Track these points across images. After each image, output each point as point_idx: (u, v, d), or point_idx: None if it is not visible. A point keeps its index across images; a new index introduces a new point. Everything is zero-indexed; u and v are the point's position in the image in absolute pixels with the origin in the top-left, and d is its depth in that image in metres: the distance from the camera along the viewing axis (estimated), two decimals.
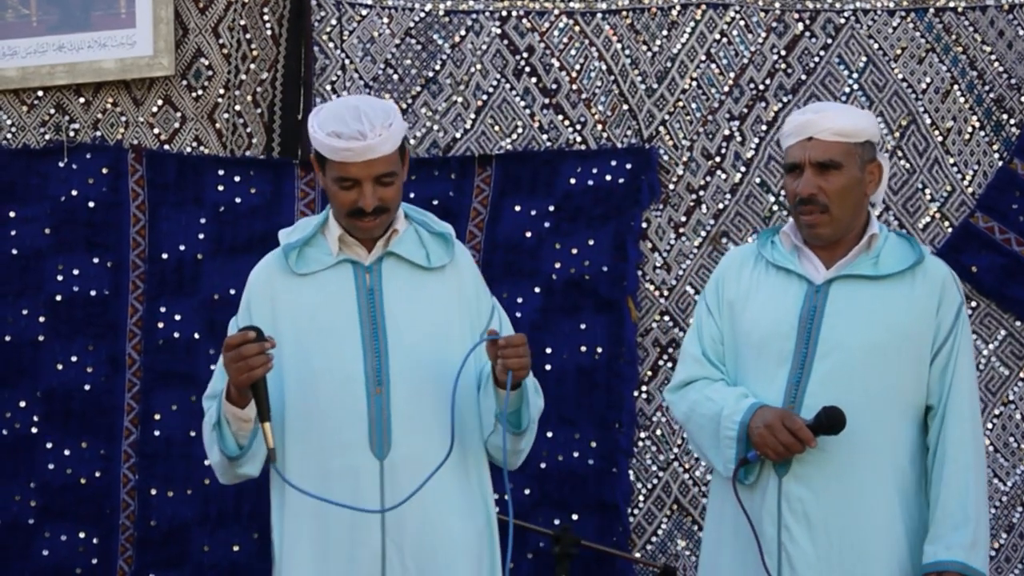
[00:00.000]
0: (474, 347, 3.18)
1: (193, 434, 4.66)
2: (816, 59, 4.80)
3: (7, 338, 4.74)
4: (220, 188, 4.80)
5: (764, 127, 4.78)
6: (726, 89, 4.80)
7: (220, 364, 3.24)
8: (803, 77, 4.80)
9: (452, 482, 3.21)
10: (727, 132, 4.79)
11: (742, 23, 4.81)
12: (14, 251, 4.76)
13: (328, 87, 4.83)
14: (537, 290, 4.72)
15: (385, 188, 3.21)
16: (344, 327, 3.24)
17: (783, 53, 4.80)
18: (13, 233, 4.77)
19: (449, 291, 3.31)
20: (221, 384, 3.20)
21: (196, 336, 4.74)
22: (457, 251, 3.35)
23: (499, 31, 4.86)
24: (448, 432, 3.14)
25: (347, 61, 4.85)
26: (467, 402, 3.23)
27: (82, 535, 4.67)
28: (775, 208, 4.76)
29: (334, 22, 4.85)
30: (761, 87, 4.79)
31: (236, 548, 4.66)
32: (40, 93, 4.84)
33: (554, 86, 4.84)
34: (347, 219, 3.24)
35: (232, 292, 4.72)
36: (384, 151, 3.18)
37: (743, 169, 4.79)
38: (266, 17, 4.88)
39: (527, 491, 4.58)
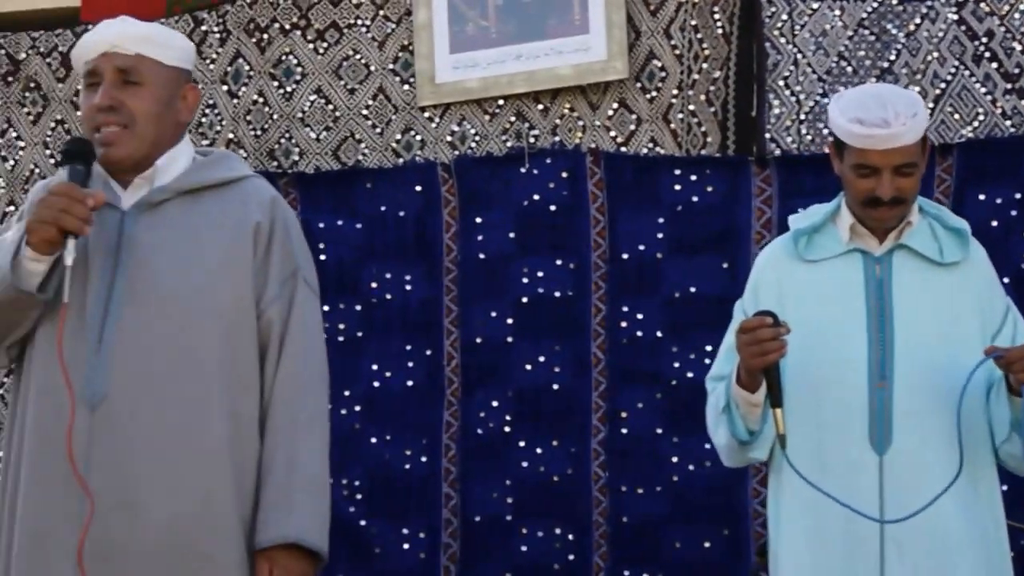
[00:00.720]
0: (977, 366, 3.07)
1: (660, 431, 4.72)
2: None
3: (478, 340, 4.88)
4: (677, 188, 4.83)
5: None
6: None
7: (724, 347, 3.28)
8: None
9: (957, 486, 3.10)
10: None
11: None
12: (481, 255, 4.92)
13: (781, 83, 4.80)
14: (1006, 280, 4.54)
15: (904, 178, 3.15)
16: (850, 317, 3.19)
17: None
18: (480, 238, 4.92)
19: (961, 289, 3.22)
20: (726, 367, 3.22)
21: (659, 335, 4.78)
22: (972, 248, 3.26)
23: (956, 17, 4.71)
24: (950, 435, 3.06)
25: (799, 56, 4.80)
26: (974, 405, 3.13)
27: (557, 531, 4.77)
28: None
29: (785, 17, 4.82)
30: None
31: (707, 545, 4.67)
32: (501, 102, 4.99)
33: (1016, 70, 4.66)
34: (862, 208, 3.19)
35: (692, 290, 4.76)
36: (906, 141, 3.12)
37: None
38: (716, 16, 4.89)
39: (1004, 487, 4.42)
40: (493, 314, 4.89)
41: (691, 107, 4.87)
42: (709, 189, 4.81)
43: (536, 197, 4.90)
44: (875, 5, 4.77)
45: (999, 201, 4.62)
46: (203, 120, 5.12)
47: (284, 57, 5.12)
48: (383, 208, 4.99)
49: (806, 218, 3.31)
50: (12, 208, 5.22)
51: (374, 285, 4.98)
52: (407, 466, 4.91)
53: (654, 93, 4.90)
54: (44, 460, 2.81)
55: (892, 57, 4.76)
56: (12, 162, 5.31)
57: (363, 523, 4.89)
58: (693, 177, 4.82)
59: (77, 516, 2.77)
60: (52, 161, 5.28)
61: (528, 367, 4.84)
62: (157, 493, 2.81)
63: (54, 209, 2.75)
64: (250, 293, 2.94)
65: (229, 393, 2.89)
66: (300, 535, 2.88)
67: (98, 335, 2.83)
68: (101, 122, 2.91)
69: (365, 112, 5.06)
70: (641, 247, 4.82)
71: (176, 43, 3.00)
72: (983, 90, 4.69)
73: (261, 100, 5.12)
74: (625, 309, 4.81)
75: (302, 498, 2.89)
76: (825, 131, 4.73)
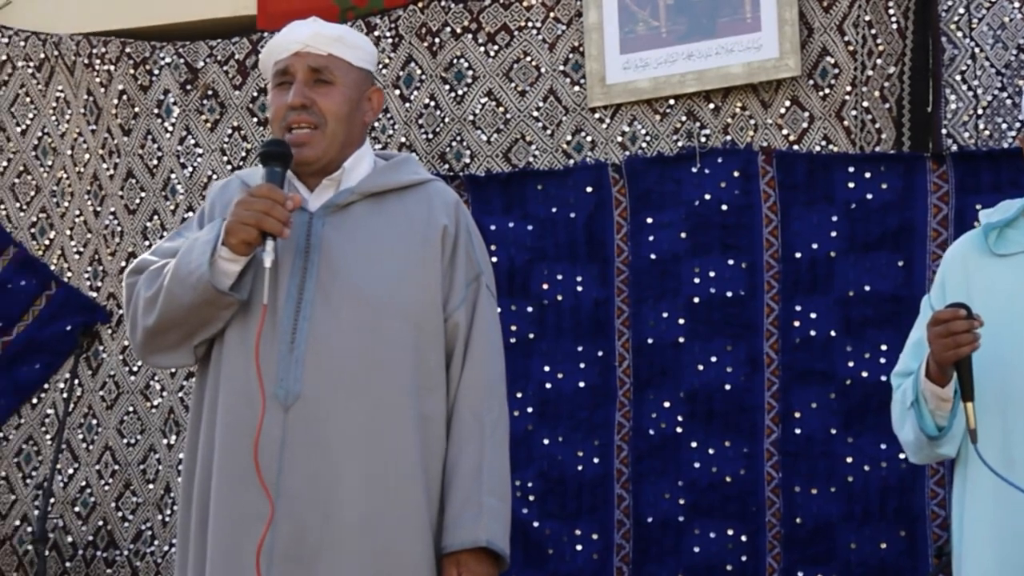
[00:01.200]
0: None
1: (834, 431, 4.67)
2: None
3: (649, 340, 4.87)
4: (851, 185, 4.77)
5: None
6: None
7: (911, 342, 3.23)
8: None
9: None
10: None
11: None
12: (652, 256, 4.91)
13: (957, 77, 4.71)
14: None
15: None
16: None
17: None
18: (651, 239, 4.91)
19: None
20: (913, 363, 3.17)
21: (832, 334, 4.72)
22: None
23: None
24: None
25: (976, 49, 4.71)
26: None
27: (730, 532, 4.74)
28: None
29: (962, 11, 4.73)
30: None
31: (883, 546, 4.59)
32: (671, 102, 4.97)
33: None
34: None
35: (867, 288, 4.69)
36: None
37: None
38: (891, 11, 4.81)
39: None
40: (664, 315, 4.87)
41: (865, 104, 4.80)
42: (884, 186, 4.74)
43: (707, 197, 4.87)
44: None
45: None
46: (376, 124, 5.18)
47: (455, 60, 5.17)
48: (554, 209, 5.01)
49: (998, 212, 3.24)
50: (190, 214, 5.34)
51: (545, 286, 5.00)
52: (579, 467, 4.92)
53: (827, 90, 4.84)
54: (237, 460, 2.85)
55: None
56: (190, 169, 5.44)
57: (536, 524, 4.91)
58: (867, 174, 4.75)
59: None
60: (229, 167, 5.40)
61: (700, 367, 4.82)
62: (350, 494, 2.84)
63: (255, 211, 2.79)
64: (438, 296, 2.97)
65: (418, 394, 2.92)
66: (490, 539, 2.89)
67: (290, 336, 2.87)
68: (292, 121, 2.95)
69: (536, 114, 5.09)
70: (814, 245, 4.77)
71: (364, 45, 3.05)
72: None
73: (432, 104, 5.18)
74: (798, 308, 4.77)
75: (490, 502, 2.90)
76: (1004, 126, 4.64)
